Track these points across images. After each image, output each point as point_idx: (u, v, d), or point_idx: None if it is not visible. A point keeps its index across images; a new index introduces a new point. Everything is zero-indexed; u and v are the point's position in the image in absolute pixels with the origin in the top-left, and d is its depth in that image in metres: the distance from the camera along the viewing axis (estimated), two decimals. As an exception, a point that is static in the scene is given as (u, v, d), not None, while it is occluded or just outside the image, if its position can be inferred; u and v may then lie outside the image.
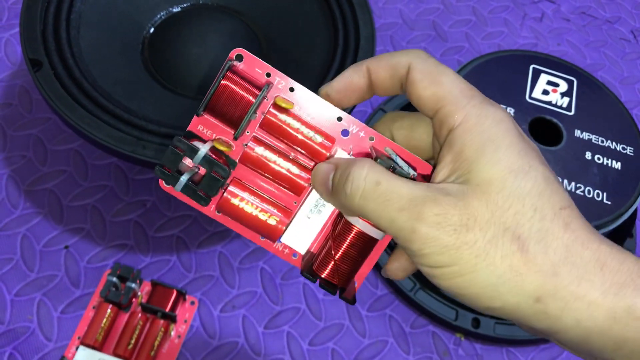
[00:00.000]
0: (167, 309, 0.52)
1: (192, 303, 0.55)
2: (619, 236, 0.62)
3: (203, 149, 0.29)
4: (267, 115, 0.30)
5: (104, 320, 0.51)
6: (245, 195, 0.30)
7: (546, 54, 0.61)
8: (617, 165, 0.55)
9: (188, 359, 0.53)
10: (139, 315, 0.52)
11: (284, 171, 0.30)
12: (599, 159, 0.55)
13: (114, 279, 0.52)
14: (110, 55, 0.55)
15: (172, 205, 0.60)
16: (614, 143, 0.56)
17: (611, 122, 0.58)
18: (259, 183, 0.31)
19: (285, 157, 0.30)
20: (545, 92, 0.58)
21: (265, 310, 0.56)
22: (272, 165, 0.30)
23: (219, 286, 0.57)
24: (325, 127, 0.31)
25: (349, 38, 0.56)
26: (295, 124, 0.30)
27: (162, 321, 0.52)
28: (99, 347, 0.51)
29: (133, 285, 0.52)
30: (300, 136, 0.30)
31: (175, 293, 0.53)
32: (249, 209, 0.30)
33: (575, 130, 0.56)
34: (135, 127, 0.48)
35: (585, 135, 0.56)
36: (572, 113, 0.57)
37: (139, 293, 0.54)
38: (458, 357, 0.57)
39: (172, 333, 0.53)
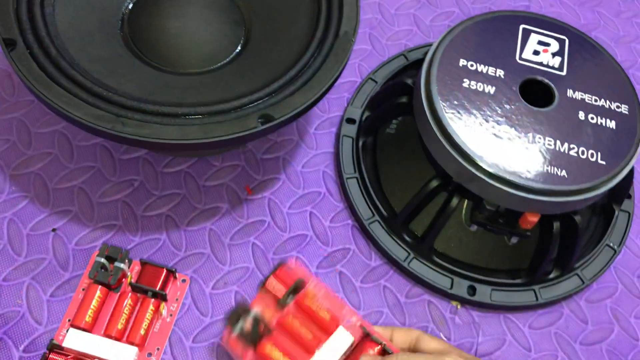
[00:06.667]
0: (157, 288, 0.52)
1: (183, 281, 0.55)
2: (617, 198, 0.61)
3: (252, 313, 0.45)
4: (297, 301, 0.46)
5: (94, 301, 0.51)
6: (274, 348, 0.44)
7: (535, 14, 0.59)
8: (612, 124, 0.54)
9: (180, 337, 0.52)
10: (129, 295, 0.51)
11: (303, 336, 0.44)
12: (592, 118, 0.54)
13: (102, 259, 0.52)
14: (88, 32, 0.54)
15: (160, 184, 0.59)
16: (607, 102, 0.55)
17: (604, 80, 0.56)
18: (286, 342, 0.44)
19: (306, 328, 0.45)
20: (536, 53, 0.56)
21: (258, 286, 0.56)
22: (297, 330, 0.45)
23: (210, 263, 0.56)
24: (335, 312, 0.45)
25: (332, 4, 0.54)
26: (314, 307, 0.45)
27: (152, 300, 0.52)
28: (89, 328, 0.50)
29: (122, 265, 0.52)
30: (316, 315, 0.45)
31: (164, 272, 0.52)
32: (276, 355, 0.44)
33: (568, 90, 0.55)
34: (115, 104, 0.47)
35: (578, 95, 0.55)
36: (564, 73, 0.56)
37: (128, 273, 0.53)
38: (455, 325, 0.56)
39: (164, 312, 0.52)
